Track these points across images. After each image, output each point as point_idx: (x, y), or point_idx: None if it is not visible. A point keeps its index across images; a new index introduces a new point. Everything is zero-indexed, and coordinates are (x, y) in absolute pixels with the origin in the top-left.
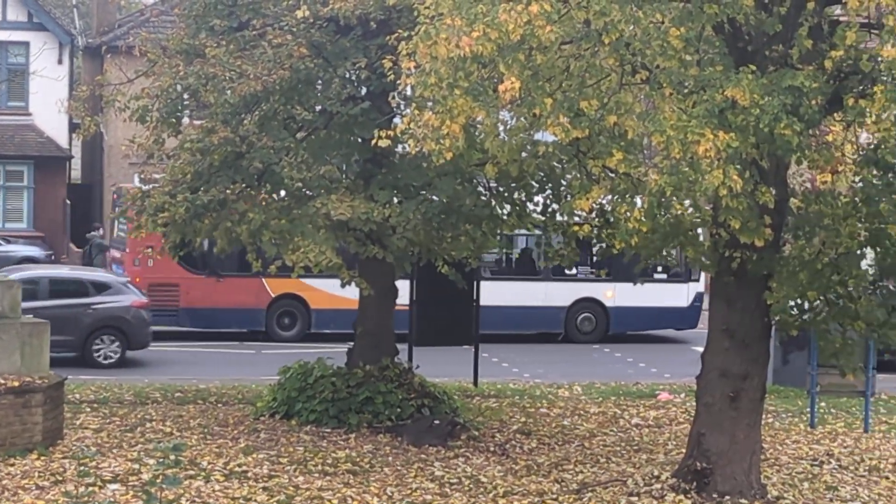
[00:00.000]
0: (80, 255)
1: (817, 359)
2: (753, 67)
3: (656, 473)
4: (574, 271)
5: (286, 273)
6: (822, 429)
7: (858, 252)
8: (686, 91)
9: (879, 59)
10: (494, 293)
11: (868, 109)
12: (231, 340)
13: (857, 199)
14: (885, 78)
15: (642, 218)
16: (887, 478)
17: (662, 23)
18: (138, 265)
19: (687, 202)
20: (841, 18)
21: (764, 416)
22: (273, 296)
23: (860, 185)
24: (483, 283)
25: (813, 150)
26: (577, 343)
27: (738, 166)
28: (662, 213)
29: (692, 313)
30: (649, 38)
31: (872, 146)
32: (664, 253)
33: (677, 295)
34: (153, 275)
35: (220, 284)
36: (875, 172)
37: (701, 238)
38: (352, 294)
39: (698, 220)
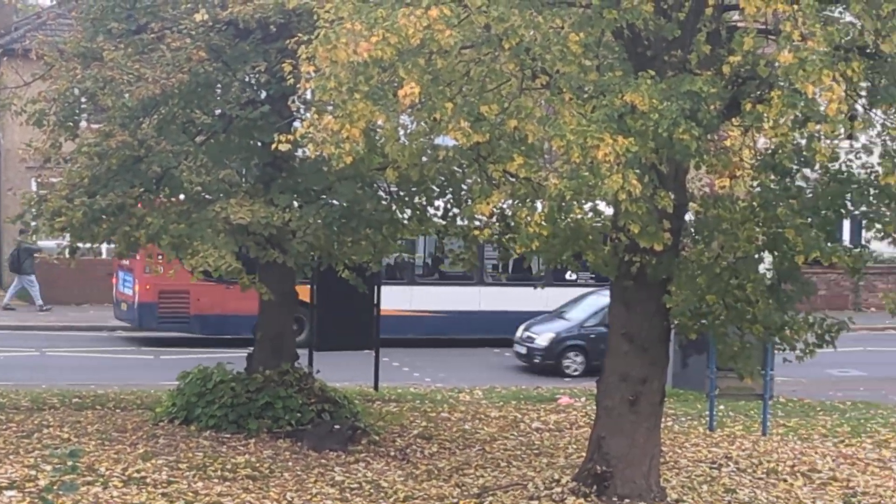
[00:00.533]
0: (8, 260)
1: (716, 362)
2: (652, 72)
3: (556, 477)
4: (574, 276)
5: None
6: (721, 432)
7: (756, 256)
8: (586, 96)
9: (776, 64)
10: (497, 299)
11: (765, 114)
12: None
13: (754, 203)
14: (782, 83)
15: (543, 222)
16: (785, 480)
17: (562, 28)
18: (149, 272)
19: (587, 206)
20: (739, 24)
21: (663, 420)
22: None
23: (758, 189)
24: (485, 289)
25: (711, 154)
26: None
27: (638, 171)
28: (563, 217)
29: None
30: (549, 43)
31: (770, 151)
32: (565, 257)
33: None
34: (164, 282)
35: (230, 291)
36: (772, 177)
37: None
38: None
39: (598, 224)
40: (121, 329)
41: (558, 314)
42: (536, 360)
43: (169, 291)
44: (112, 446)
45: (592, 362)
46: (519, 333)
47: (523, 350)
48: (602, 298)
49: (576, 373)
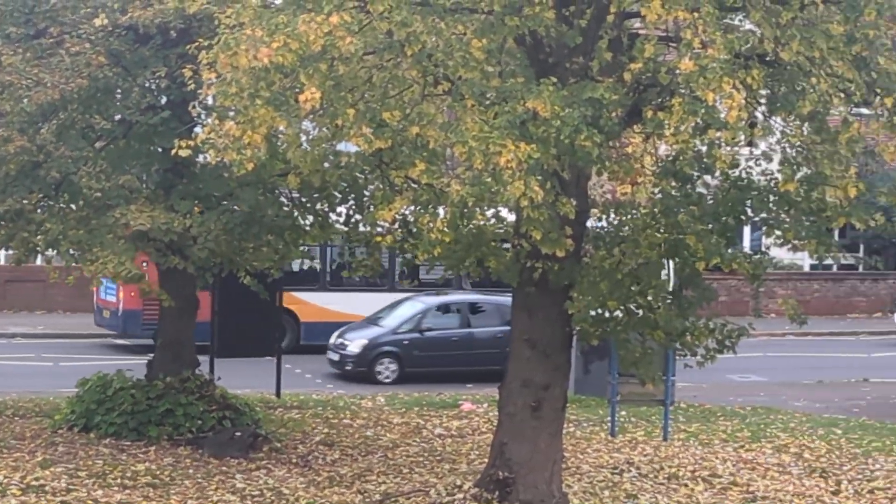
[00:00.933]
0: None
1: (617, 368)
2: (554, 79)
3: (459, 483)
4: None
5: None
6: (623, 437)
7: (658, 262)
8: (488, 102)
9: (677, 71)
10: None
11: (666, 121)
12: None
13: (656, 209)
14: (682, 90)
15: (445, 228)
16: (686, 485)
17: (464, 34)
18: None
19: (489, 213)
20: (640, 31)
21: (565, 425)
22: None
23: (659, 196)
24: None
25: (613, 161)
26: None
27: (540, 177)
28: (465, 223)
29: None
30: (451, 49)
31: (671, 158)
32: (467, 263)
33: None
34: None
35: None
36: (674, 184)
37: None
38: (341, 308)
39: (500, 230)
40: (20, 336)
41: (373, 320)
42: (348, 367)
43: (154, 299)
44: (10, 454)
45: (406, 369)
46: (332, 340)
47: (336, 357)
48: (417, 304)
49: (388, 380)
